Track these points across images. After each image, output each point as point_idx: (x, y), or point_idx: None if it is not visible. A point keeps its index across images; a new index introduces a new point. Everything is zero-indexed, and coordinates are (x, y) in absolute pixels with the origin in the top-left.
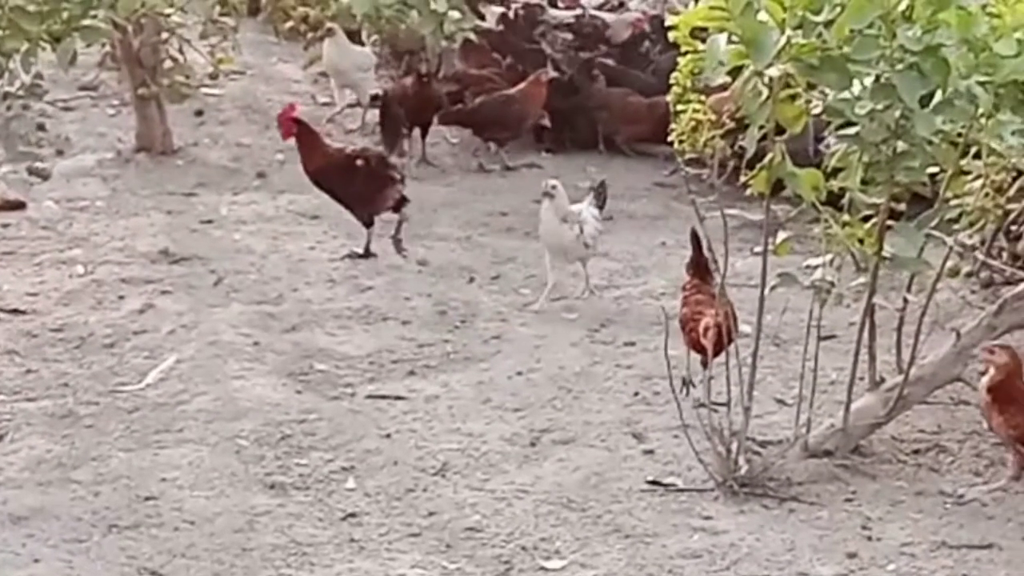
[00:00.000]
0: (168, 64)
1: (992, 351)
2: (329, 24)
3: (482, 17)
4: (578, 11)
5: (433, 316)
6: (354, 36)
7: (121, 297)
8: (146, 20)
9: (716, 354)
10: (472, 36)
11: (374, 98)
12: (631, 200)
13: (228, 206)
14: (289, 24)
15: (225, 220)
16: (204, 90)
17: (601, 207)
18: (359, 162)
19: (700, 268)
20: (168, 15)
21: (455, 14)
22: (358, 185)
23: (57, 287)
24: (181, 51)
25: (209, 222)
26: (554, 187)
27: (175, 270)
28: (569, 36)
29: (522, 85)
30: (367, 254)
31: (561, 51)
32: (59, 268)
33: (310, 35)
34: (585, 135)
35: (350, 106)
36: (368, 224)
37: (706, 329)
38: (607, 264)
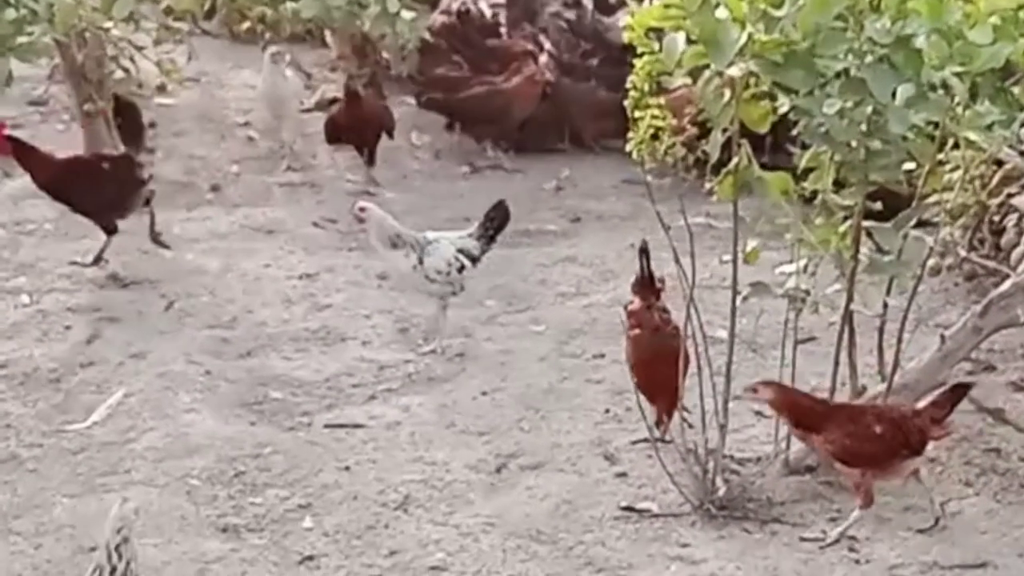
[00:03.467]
0: (119, 75)
1: (755, 389)
2: (274, 48)
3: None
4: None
5: (394, 335)
6: (310, 36)
7: (68, 327)
8: (90, 34)
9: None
10: (427, 36)
11: (331, 102)
12: (599, 199)
13: (181, 224)
14: (246, 25)
15: (178, 239)
16: (157, 100)
17: (493, 235)
18: (105, 165)
19: (645, 287)
20: (108, 29)
21: (408, 14)
22: (106, 190)
23: (1, 319)
24: (133, 60)
25: None
26: (362, 210)
27: (124, 295)
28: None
29: (515, 80)
30: (97, 261)
31: (564, 50)
32: (3, 299)
33: (268, 35)
34: (550, 132)
35: (307, 111)
36: (112, 231)
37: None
38: (575, 270)
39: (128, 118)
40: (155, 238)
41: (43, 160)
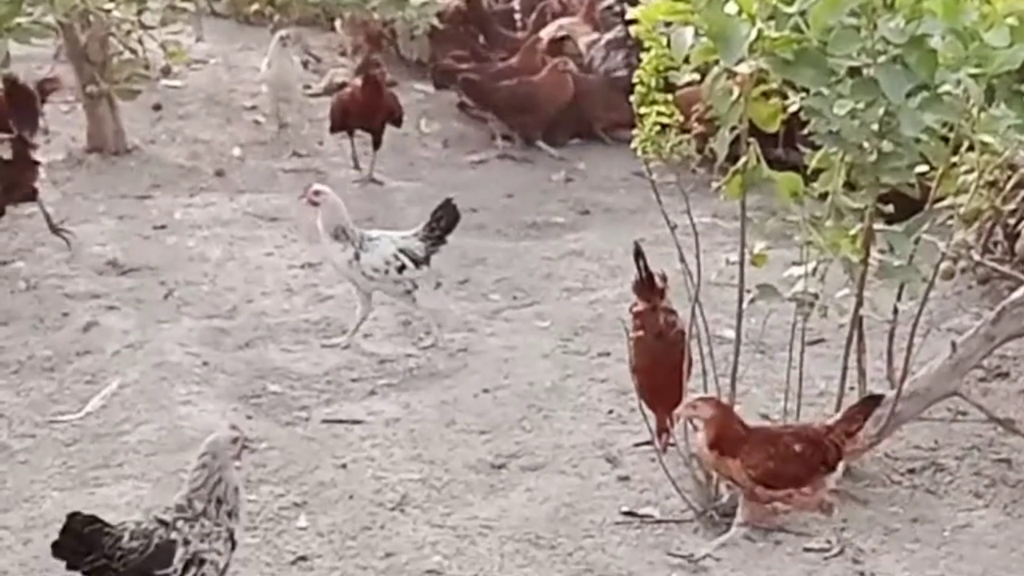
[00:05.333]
0: (126, 56)
1: (695, 406)
2: (283, 31)
3: None
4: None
5: (396, 328)
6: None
7: (65, 314)
8: (93, 16)
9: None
10: (436, 22)
11: (341, 86)
12: (608, 192)
13: (183, 209)
14: (254, 7)
15: (179, 225)
16: (163, 82)
17: (441, 236)
18: None
19: (647, 289)
20: (109, 10)
21: None
22: None
23: None
24: (140, 42)
25: (162, 227)
26: (317, 193)
27: (123, 282)
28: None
29: (543, 72)
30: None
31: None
32: (1, 284)
33: (277, 18)
34: (560, 124)
35: (316, 95)
36: None
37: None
38: (582, 264)
39: (21, 100)
40: (59, 231)
41: None
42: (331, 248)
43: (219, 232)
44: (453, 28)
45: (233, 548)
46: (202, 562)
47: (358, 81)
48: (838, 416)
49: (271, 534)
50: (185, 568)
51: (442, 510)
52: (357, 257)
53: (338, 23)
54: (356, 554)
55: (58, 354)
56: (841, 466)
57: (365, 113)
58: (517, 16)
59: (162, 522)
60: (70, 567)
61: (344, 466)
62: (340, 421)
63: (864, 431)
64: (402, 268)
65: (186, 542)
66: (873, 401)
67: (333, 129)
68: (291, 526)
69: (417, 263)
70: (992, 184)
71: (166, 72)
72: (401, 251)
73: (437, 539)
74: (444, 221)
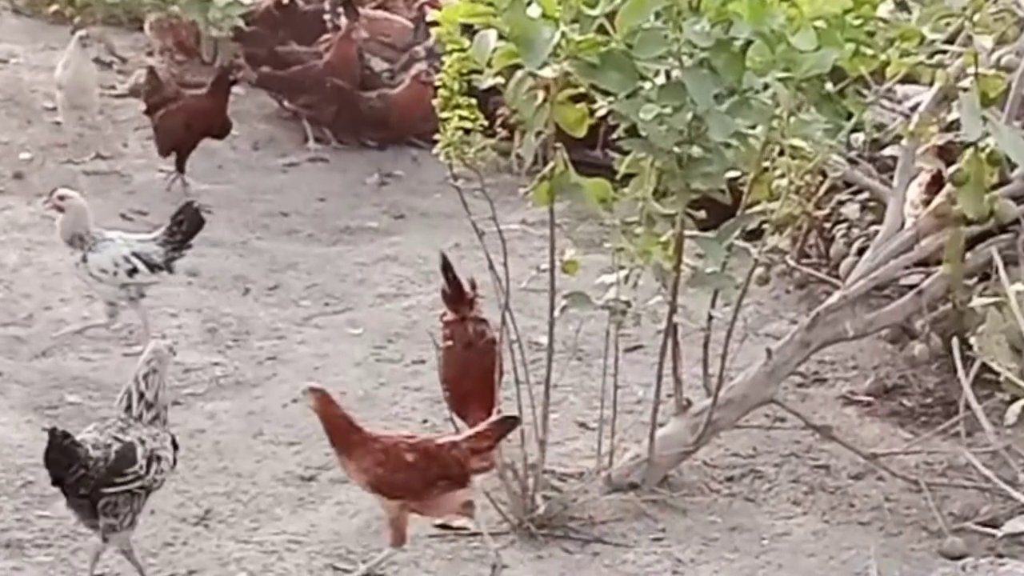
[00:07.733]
0: None
1: (304, 392)
2: (82, 32)
3: None
4: None
5: (202, 334)
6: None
7: None
8: None
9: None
10: (241, 23)
11: (152, 90)
12: (424, 196)
13: None
14: (54, 8)
15: None
16: None
17: (182, 241)
18: None
19: (455, 300)
20: None
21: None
22: None
23: None
24: None
25: None
26: (62, 198)
27: None
28: None
29: (404, 85)
30: None
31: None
32: None
33: (78, 19)
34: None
35: (121, 96)
36: None
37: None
38: (396, 269)
39: None
40: None
41: None
42: (66, 252)
43: (16, 237)
44: (260, 30)
45: (176, 450)
46: (159, 459)
47: (189, 91)
48: (470, 432)
49: (66, 552)
50: (148, 464)
51: (248, 525)
52: (85, 260)
53: (146, 24)
54: (158, 571)
55: None
56: (474, 482)
57: (208, 127)
58: (327, 16)
59: (116, 429)
60: (56, 482)
61: None
62: None
63: (496, 450)
64: (133, 271)
65: (142, 441)
66: (510, 421)
67: (167, 152)
68: (87, 543)
69: (152, 267)
70: (803, 189)
71: None
72: (135, 254)
73: (243, 555)
74: (185, 225)
